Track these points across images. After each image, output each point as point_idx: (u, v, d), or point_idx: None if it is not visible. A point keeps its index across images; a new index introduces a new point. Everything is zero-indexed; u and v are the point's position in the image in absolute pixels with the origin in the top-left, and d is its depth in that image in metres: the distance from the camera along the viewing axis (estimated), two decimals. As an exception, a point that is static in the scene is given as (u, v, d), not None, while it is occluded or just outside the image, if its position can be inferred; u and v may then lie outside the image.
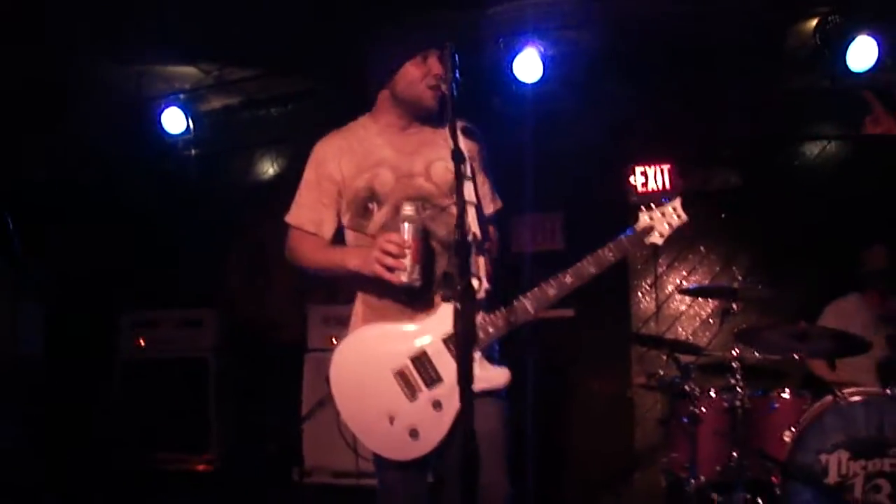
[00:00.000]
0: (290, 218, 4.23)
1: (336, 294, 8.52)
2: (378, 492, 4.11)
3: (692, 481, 6.23)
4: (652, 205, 4.01)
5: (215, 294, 9.36)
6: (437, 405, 3.76)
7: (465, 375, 2.98)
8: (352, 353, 3.92)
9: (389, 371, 3.78)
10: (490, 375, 3.84)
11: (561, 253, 8.20)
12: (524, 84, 7.93)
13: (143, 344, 8.66)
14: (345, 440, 4.19)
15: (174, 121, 9.11)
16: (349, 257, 3.91)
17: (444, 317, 3.77)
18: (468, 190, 3.83)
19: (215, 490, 8.14)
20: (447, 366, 3.78)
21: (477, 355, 3.75)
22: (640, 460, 8.37)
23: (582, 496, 7.62)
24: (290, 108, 9.53)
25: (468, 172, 3.88)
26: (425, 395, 3.75)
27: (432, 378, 3.78)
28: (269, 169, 9.88)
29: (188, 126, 9.17)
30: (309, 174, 4.24)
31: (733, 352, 6.17)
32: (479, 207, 3.90)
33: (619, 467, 8.37)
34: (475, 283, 3.75)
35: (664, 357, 6.99)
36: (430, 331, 3.81)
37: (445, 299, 3.83)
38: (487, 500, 3.55)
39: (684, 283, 8.56)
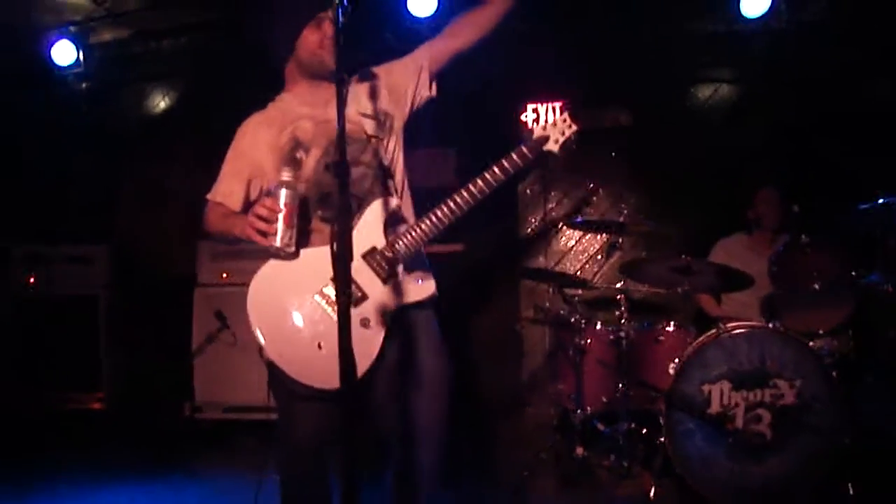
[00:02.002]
0: (209, 194, 4.21)
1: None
2: (281, 433, 4.01)
3: (578, 412, 6.36)
4: (545, 120, 4.12)
5: (106, 229, 9.24)
6: (365, 323, 3.72)
7: (343, 300, 2.94)
8: (269, 281, 3.83)
9: (312, 294, 3.74)
10: (416, 288, 3.92)
11: (453, 188, 8.18)
12: (418, 19, 7.91)
13: (32, 281, 8.51)
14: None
15: (64, 53, 8.85)
16: (237, 222, 3.88)
17: (362, 234, 3.81)
18: (371, 126, 4.05)
19: (107, 427, 8.09)
20: (371, 282, 3.79)
21: (399, 269, 3.84)
22: (529, 392, 8.52)
23: (473, 429, 7.69)
24: (182, 42, 9.29)
25: (368, 110, 4.08)
26: (352, 312, 3.49)
27: (357, 297, 3.74)
28: (160, 103, 9.68)
29: (78, 58, 8.94)
30: (229, 152, 4.21)
31: (618, 285, 6.29)
32: (417, 102, 4.27)
33: (509, 399, 8.51)
34: (392, 200, 3.92)
35: (551, 291, 7.08)
36: None
37: (324, 220, 3.88)
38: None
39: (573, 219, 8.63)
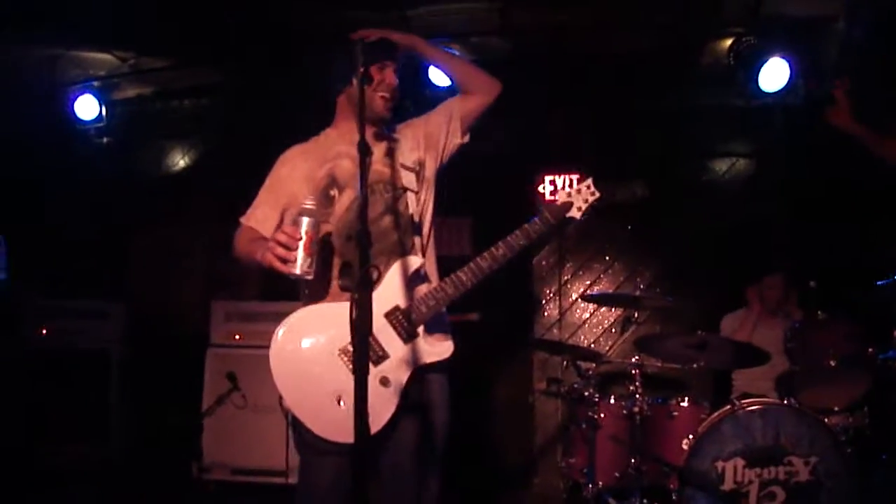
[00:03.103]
0: (243, 218, 4.25)
1: (241, 291, 8.50)
2: (301, 487, 4.03)
3: (590, 486, 6.29)
4: (567, 185, 4.17)
5: (121, 285, 9.25)
6: (384, 381, 3.73)
7: (360, 367, 2.95)
8: (293, 334, 3.85)
9: (334, 351, 3.75)
10: (434, 349, 3.91)
11: (468, 258, 8.17)
12: (438, 88, 7.94)
13: (45, 333, 8.50)
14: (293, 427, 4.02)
15: (87, 108, 8.93)
16: (259, 248, 3.86)
17: (385, 292, 3.83)
18: (409, 178, 4.10)
19: (114, 484, 8.05)
20: (391, 341, 3.80)
21: (420, 330, 3.85)
22: (540, 465, 8.42)
23: (482, 499, 7.63)
24: (203, 102, 9.44)
25: (408, 162, 4.16)
26: (372, 372, 3.63)
27: (378, 355, 3.76)
28: (179, 161, 9.76)
29: (101, 113, 9.00)
30: (267, 179, 4.27)
31: (633, 359, 6.25)
32: (449, 147, 4.33)
33: (518, 471, 8.41)
34: (416, 259, 3.93)
35: (565, 363, 7.05)
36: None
37: (343, 288, 3.87)
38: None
39: (588, 291, 8.62)
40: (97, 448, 8.21)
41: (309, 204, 3.65)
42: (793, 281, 7.26)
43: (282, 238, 3.58)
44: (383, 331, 3.80)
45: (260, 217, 4.18)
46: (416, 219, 4.10)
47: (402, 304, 3.85)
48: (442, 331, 4.04)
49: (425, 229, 4.17)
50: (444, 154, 4.34)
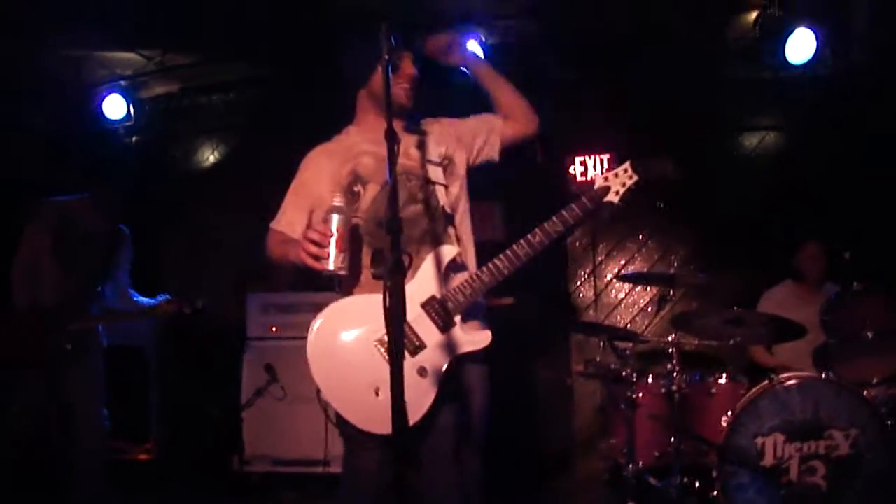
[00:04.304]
0: (273, 223, 4.30)
1: (276, 283, 8.52)
2: (345, 476, 4.11)
3: (630, 466, 6.27)
4: (605, 169, 4.15)
5: (155, 283, 9.28)
6: (422, 372, 3.75)
7: (395, 354, 2.96)
8: (330, 326, 3.88)
9: (370, 341, 3.77)
10: (473, 339, 3.91)
11: (500, 242, 8.14)
12: (465, 74, 7.91)
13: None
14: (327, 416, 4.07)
15: (115, 107, 8.97)
16: (291, 248, 3.90)
17: (421, 282, 3.86)
18: (436, 173, 4.11)
19: (155, 479, 8.10)
20: (428, 331, 3.82)
21: (457, 319, 3.86)
22: (581, 447, 8.41)
23: (523, 483, 7.63)
24: (231, 96, 9.45)
25: (435, 157, 4.18)
26: (409, 362, 3.70)
27: (415, 345, 3.78)
28: (209, 157, 9.78)
29: (129, 113, 9.04)
30: (293, 182, 4.31)
31: (669, 338, 6.23)
32: (478, 162, 4.37)
33: (559, 454, 8.41)
34: (451, 249, 3.94)
35: (602, 344, 7.04)
36: (408, 298, 3.81)
37: (376, 277, 3.90)
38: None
39: (623, 271, 8.60)
40: (138, 444, 8.26)
41: (338, 201, 3.69)
42: (829, 250, 7.22)
43: (314, 236, 3.63)
44: (420, 321, 3.82)
45: (289, 221, 4.22)
46: (449, 210, 4.11)
47: (439, 293, 3.87)
48: (480, 320, 4.07)
49: (458, 220, 4.18)
50: (477, 159, 4.37)
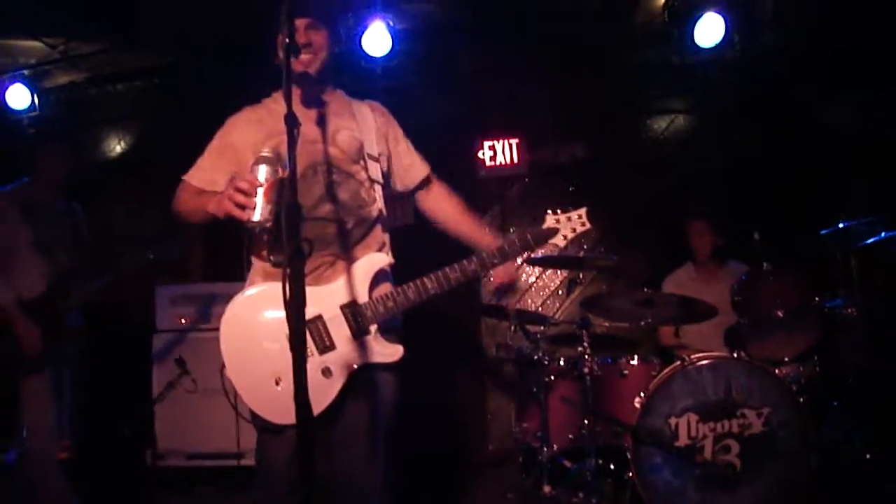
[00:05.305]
0: (186, 176, 4.16)
1: (186, 274, 8.41)
2: (258, 467, 4.05)
3: (545, 450, 6.28)
4: (559, 210, 4.05)
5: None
6: (326, 372, 3.72)
7: (297, 337, 2.91)
8: (244, 310, 3.84)
9: (282, 333, 3.61)
10: (384, 350, 3.85)
11: (411, 227, 8.11)
12: (373, 58, 7.85)
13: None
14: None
15: (18, 97, 8.70)
16: (209, 201, 3.78)
17: (346, 285, 3.81)
18: (373, 168, 4.05)
19: (69, 478, 7.97)
20: (341, 334, 3.78)
21: (373, 328, 3.81)
22: (494, 431, 8.43)
23: (437, 468, 7.61)
24: (137, 85, 9.30)
25: (375, 152, 4.10)
26: (316, 360, 3.69)
27: (325, 345, 3.75)
28: (115, 147, 9.63)
29: (33, 103, 8.80)
30: (214, 142, 4.18)
31: (580, 320, 6.25)
32: (387, 183, 4.22)
33: (473, 438, 8.41)
34: (383, 258, 3.95)
35: (513, 328, 7.03)
36: (329, 297, 3.78)
37: (276, 264, 3.78)
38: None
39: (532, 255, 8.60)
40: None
41: (266, 152, 3.57)
42: (719, 229, 7.32)
43: (242, 185, 3.50)
44: (335, 322, 3.79)
45: (207, 179, 4.09)
46: (385, 211, 4.10)
47: (361, 299, 3.82)
48: (394, 333, 3.99)
49: (384, 221, 4.13)
50: (387, 172, 4.26)
